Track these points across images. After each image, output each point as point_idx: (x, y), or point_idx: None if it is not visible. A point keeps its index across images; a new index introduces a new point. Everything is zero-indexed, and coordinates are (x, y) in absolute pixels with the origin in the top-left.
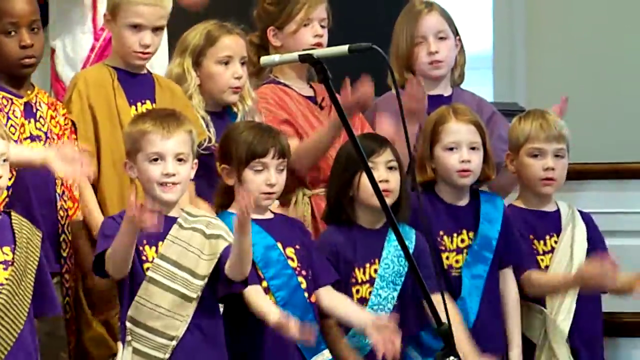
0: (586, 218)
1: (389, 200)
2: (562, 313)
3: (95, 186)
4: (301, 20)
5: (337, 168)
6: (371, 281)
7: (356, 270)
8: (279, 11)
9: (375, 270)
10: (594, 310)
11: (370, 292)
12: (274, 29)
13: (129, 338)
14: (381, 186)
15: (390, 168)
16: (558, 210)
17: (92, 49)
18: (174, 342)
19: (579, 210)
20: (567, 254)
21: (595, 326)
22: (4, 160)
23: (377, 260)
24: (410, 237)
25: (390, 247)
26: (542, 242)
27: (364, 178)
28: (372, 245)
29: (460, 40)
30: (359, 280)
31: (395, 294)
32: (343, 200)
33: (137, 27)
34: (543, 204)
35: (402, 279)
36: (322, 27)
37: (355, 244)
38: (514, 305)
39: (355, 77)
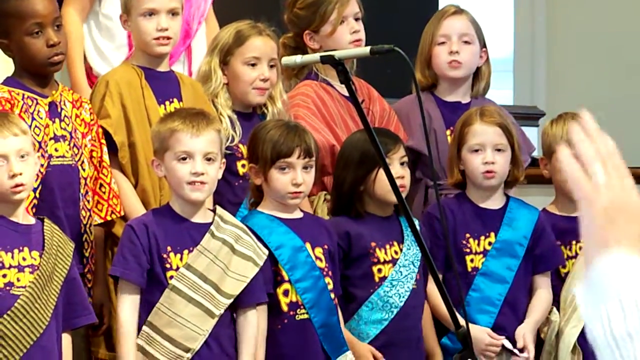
0: None
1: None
2: (573, 321)
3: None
4: (336, 21)
5: (350, 163)
6: (393, 261)
7: (377, 250)
8: (311, 14)
9: (396, 252)
10: None
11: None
12: (310, 32)
13: (142, 342)
14: (397, 182)
15: (402, 164)
16: None
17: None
18: (189, 355)
19: None
20: None
21: None
22: (22, 157)
23: (395, 242)
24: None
25: (409, 231)
26: (568, 247)
27: (381, 174)
28: (388, 229)
29: (486, 52)
30: (382, 260)
31: (414, 274)
32: (355, 195)
33: (151, 14)
34: (576, 208)
35: (419, 263)
36: (357, 19)
37: (371, 227)
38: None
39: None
